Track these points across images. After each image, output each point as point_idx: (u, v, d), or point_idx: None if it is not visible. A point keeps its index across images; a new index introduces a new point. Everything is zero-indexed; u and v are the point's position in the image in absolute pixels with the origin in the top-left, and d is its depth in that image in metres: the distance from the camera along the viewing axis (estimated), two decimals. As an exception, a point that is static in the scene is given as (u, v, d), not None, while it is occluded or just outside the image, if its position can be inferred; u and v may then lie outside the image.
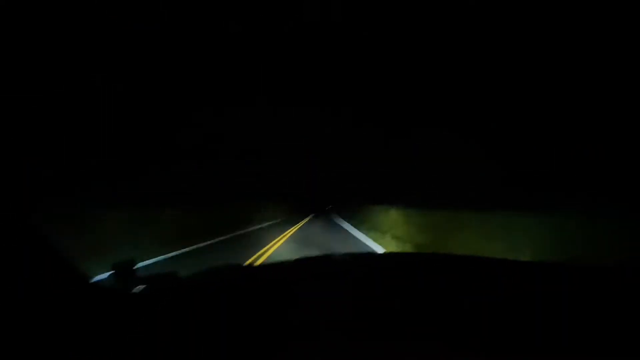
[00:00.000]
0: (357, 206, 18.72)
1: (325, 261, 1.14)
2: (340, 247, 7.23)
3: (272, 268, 1.05)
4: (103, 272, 0.71)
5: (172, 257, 5.91)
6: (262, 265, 1.11)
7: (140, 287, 0.76)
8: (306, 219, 21.63)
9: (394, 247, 7.34)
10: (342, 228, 13.52)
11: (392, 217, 10.38)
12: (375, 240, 8.63)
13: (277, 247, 7.43)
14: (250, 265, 1.21)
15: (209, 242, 8.17)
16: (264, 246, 7.53)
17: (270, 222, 17.88)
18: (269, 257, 6.28)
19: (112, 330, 0.60)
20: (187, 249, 6.89)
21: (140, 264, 4.87)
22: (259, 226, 15.11)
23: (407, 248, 7.04)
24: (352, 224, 15.04)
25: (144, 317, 0.66)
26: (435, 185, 6.81)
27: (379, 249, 6.97)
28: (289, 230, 12.77)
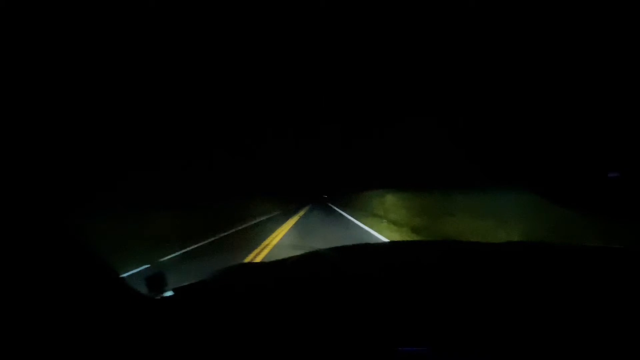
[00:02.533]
0: (353, 193, 18.86)
1: (334, 255, 1.21)
2: (341, 235, 7.38)
3: (286, 265, 1.11)
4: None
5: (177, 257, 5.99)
6: (274, 262, 1.18)
7: (169, 292, 0.85)
8: (304, 209, 21.77)
9: (391, 232, 7.50)
10: (340, 215, 13.68)
11: (388, 202, 10.55)
12: (372, 226, 8.78)
13: (283, 234, 7.69)
14: (263, 262, 1.26)
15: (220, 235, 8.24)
16: (270, 235, 8.15)
17: (271, 214, 18.19)
18: (276, 244, 6.80)
19: (143, 331, 0.68)
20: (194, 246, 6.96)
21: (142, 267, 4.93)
22: (264, 217, 15.58)
23: (404, 232, 7.21)
24: (348, 212, 15.19)
25: (173, 320, 0.74)
26: (426, 170, 6.96)
27: (378, 236, 7.12)
28: (290, 220, 12.91)
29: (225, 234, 10.07)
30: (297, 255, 1.20)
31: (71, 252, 0.61)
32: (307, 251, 1.26)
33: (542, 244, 1.17)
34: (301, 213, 18.26)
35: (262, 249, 6.35)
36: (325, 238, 7.12)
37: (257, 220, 15.52)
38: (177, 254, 6.65)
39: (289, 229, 9.99)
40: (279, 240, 7.47)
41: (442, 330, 0.58)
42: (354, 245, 1.46)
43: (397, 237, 6.67)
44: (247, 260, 5.42)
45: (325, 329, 0.63)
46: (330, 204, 27.47)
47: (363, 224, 9.69)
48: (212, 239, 8.88)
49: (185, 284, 0.86)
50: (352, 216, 12.88)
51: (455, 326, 0.58)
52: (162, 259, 5.93)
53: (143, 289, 0.82)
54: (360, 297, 0.73)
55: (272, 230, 9.70)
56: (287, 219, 14.65)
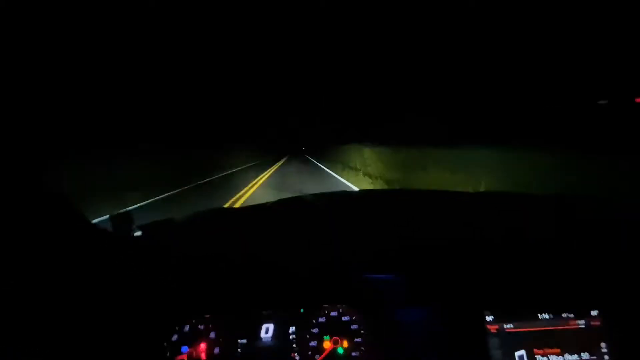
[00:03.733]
0: (331, 147, 18.86)
1: (304, 201, 1.22)
2: (317, 186, 7.51)
3: (257, 210, 1.11)
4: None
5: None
6: (246, 207, 1.18)
7: (138, 232, 0.83)
8: (281, 161, 21.73)
9: (366, 183, 7.72)
10: (317, 166, 13.81)
11: (365, 155, 10.68)
12: (348, 178, 8.98)
13: (259, 185, 7.81)
14: (235, 208, 1.27)
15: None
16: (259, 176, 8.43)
17: (249, 164, 18.32)
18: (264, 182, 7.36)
19: (112, 267, 0.68)
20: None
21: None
22: (243, 167, 15.80)
23: (378, 184, 7.45)
24: (326, 165, 15.32)
25: (140, 257, 0.74)
26: (403, 125, 7.02)
27: (353, 187, 7.33)
28: (267, 171, 12.90)
29: (209, 179, 10.11)
30: (272, 202, 1.21)
31: (42, 200, 0.57)
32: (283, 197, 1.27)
33: (495, 193, 1.24)
34: (278, 164, 18.20)
35: (237, 199, 6.38)
36: (302, 190, 7.24)
37: (236, 169, 15.37)
38: (156, 198, 6.56)
39: (266, 179, 10.01)
40: (254, 192, 7.51)
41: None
42: (329, 192, 1.49)
43: (371, 187, 6.90)
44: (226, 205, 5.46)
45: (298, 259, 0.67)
46: (308, 156, 27.46)
47: (339, 175, 9.87)
48: (195, 184, 8.88)
49: (150, 222, 0.83)
50: (329, 169, 13.02)
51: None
52: (136, 205, 5.82)
53: (113, 229, 0.79)
54: (327, 231, 0.78)
55: (248, 180, 9.67)
56: (265, 169, 14.60)
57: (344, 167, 12.66)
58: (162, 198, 6.90)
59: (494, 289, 0.61)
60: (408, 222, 0.81)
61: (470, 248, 0.68)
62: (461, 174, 4.79)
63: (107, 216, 0.80)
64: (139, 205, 5.95)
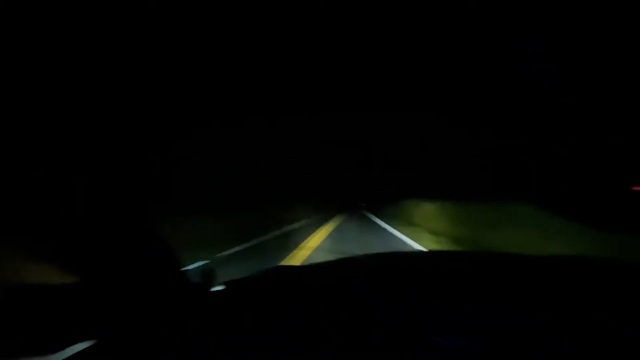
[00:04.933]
0: (389, 202, 18.48)
1: (372, 260, 1.24)
2: (376, 242, 7.28)
3: (319, 269, 1.17)
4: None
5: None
6: (307, 266, 1.24)
7: (220, 287, 0.94)
8: (341, 215, 21.77)
9: (430, 242, 7.24)
10: (374, 223, 13.50)
11: (426, 211, 10.20)
12: (408, 235, 8.55)
13: (325, 237, 7.83)
14: (300, 266, 1.34)
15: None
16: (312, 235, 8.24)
17: (310, 219, 18.51)
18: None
19: (197, 319, 0.77)
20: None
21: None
22: (304, 221, 15.94)
23: (443, 242, 6.92)
24: (385, 220, 14.91)
25: (221, 310, 0.83)
26: (464, 181, 6.66)
27: (416, 245, 6.92)
28: (328, 224, 13.03)
29: (271, 234, 10.50)
30: (333, 260, 1.26)
31: (147, 245, 0.72)
32: (344, 256, 1.31)
33: (582, 258, 1.11)
34: (338, 220, 18.24)
35: (302, 249, 6.48)
36: (364, 246, 7.07)
37: (298, 223, 15.78)
38: (232, 251, 7.02)
39: (330, 232, 10.06)
40: (311, 245, 7.56)
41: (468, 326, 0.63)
42: (390, 253, 1.49)
43: (436, 247, 6.43)
44: (289, 255, 5.63)
45: (361, 326, 0.68)
46: (365, 212, 27.20)
47: (399, 231, 9.47)
48: (260, 239, 9.28)
49: (233, 279, 0.94)
50: (388, 224, 12.64)
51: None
52: (219, 255, 6.24)
53: (199, 281, 0.92)
54: (391, 297, 0.78)
55: (311, 232, 9.83)
56: (325, 223, 14.71)
57: (402, 222, 12.17)
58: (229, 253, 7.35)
59: (560, 352, 0.57)
60: (476, 289, 0.78)
61: (538, 315, 0.65)
62: (537, 232, 4.25)
63: (190, 267, 0.93)
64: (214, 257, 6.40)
